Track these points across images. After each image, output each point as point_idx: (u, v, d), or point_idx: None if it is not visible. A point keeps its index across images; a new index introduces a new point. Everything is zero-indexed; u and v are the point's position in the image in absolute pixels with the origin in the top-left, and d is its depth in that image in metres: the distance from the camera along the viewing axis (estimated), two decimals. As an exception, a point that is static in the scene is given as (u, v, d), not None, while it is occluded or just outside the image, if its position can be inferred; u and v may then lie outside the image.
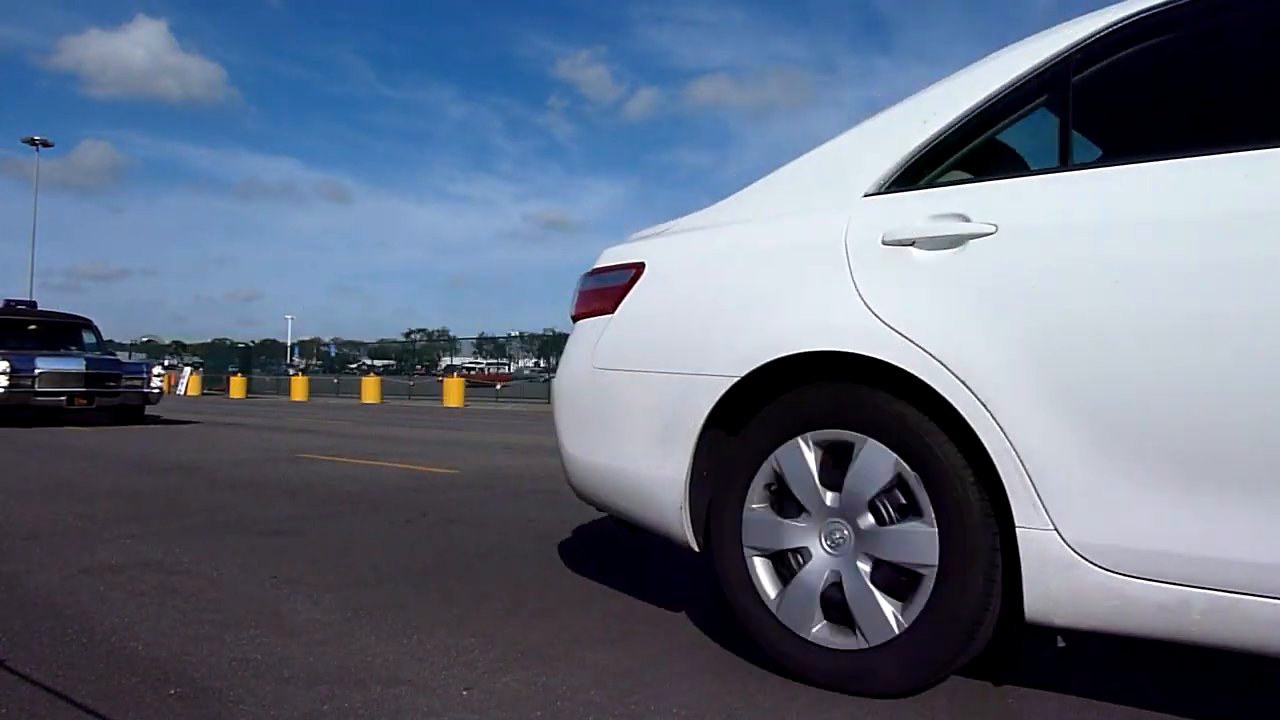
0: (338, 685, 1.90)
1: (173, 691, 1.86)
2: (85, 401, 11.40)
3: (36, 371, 11.13)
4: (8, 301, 13.39)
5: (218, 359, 46.41)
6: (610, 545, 3.57)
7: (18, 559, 3.17)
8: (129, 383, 11.99)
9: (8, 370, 10.89)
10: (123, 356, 16.04)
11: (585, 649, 2.18)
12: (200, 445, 8.29)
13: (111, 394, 11.66)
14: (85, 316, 13.72)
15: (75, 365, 11.65)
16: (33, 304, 13.85)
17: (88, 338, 13.47)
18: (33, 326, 12.96)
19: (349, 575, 2.97)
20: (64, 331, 13.31)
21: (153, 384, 12.29)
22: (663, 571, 3.10)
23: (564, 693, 1.87)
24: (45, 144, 36.92)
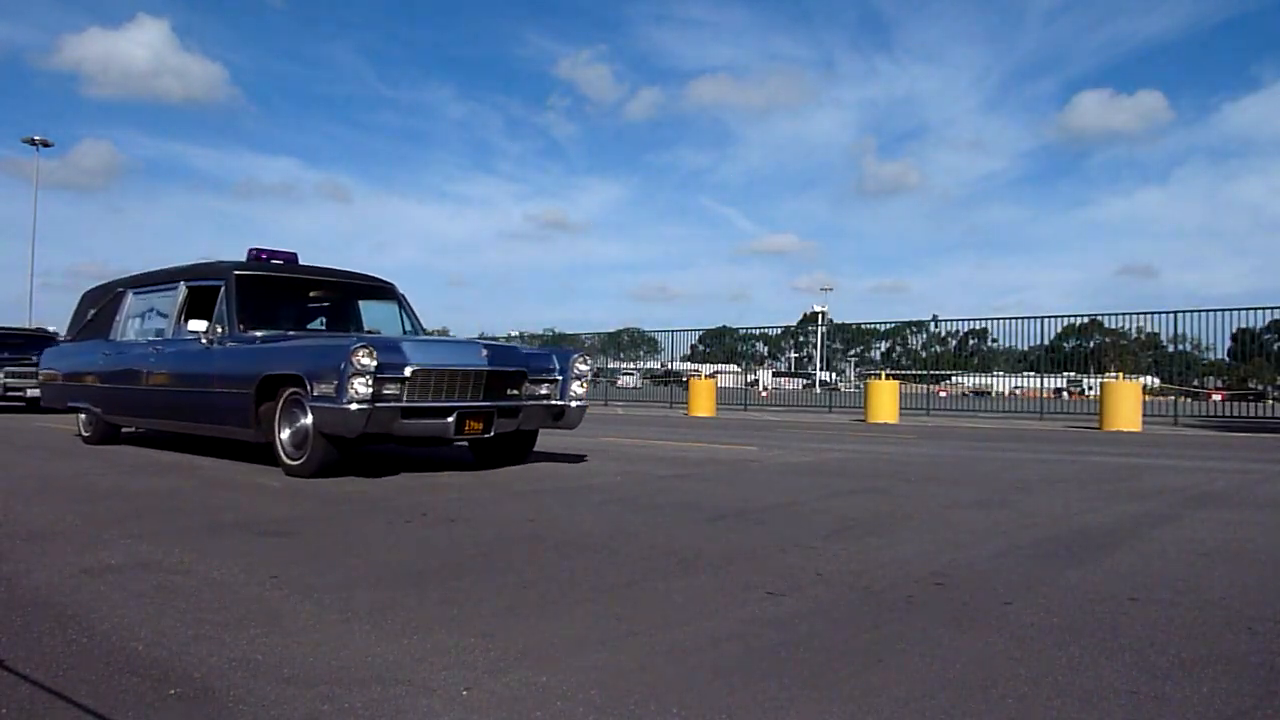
0: (338, 685, 1.90)
1: (173, 691, 1.86)
2: (480, 426, 5.94)
3: (408, 370, 5.62)
4: (255, 252, 7.37)
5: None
6: (611, 545, 3.57)
7: (18, 559, 3.17)
8: (534, 387, 6.48)
9: (371, 368, 5.42)
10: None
11: (585, 649, 2.18)
12: (200, 445, 8.29)
13: (511, 410, 6.22)
14: (385, 279, 8.14)
15: (470, 359, 6.05)
16: (292, 256, 7.59)
17: (377, 313, 7.98)
18: (315, 293, 7.69)
19: (349, 575, 2.97)
20: (349, 301, 8.01)
21: (572, 391, 6.63)
22: (664, 572, 3.09)
23: (564, 693, 1.87)
24: (45, 144, 36.99)
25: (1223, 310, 17.57)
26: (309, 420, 5.69)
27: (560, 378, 6.65)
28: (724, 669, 2.04)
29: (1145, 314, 19.19)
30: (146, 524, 3.95)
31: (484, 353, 6.19)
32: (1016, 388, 23.31)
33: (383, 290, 8.07)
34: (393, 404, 5.60)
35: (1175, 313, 18.12)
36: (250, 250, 7.38)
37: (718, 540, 3.67)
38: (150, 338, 7.79)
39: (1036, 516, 4.50)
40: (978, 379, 29.39)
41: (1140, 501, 5.15)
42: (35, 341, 16.18)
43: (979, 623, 2.45)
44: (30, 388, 14.58)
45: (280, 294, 7.50)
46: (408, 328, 7.82)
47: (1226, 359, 21.23)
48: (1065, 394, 24.76)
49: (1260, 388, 22.63)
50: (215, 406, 6.52)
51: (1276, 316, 18.71)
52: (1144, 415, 15.47)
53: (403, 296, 8.07)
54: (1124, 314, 19.93)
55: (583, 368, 6.78)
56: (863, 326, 34.66)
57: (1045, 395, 21.13)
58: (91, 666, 2.01)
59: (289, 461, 5.90)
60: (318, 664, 2.04)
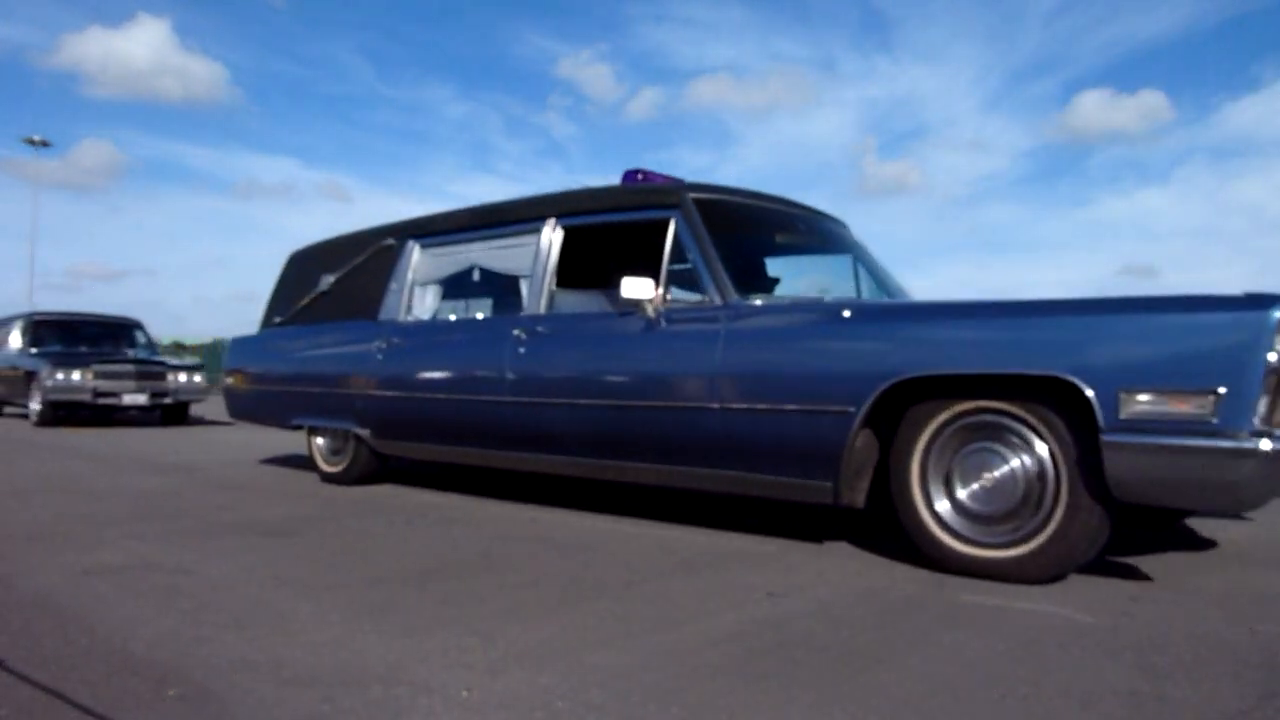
0: (338, 685, 1.91)
1: (173, 692, 1.86)
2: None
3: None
4: (633, 174, 4.37)
5: (217, 359, 46.23)
6: (611, 545, 3.57)
7: (18, 559, 3.17)
8: None
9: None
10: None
11: (585, 649, 2.18)
12: (201, 445, 8.30)
13: None
14: (833, 213, 4.85)
15: None
16: (679, 183, 4.17)
17: (810, 267, 5.01)
18: (781, 237, 4.67)
19: (349, 575, 2.98)
20: (794, 249, 4.89)
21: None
22: (664, 572, 3.09)
23: (564, 693, 1.87)
24: (45, 144, 36.99)
25: (1223, 310, 17.54)
26: (1054, 467, 2.82)
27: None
28: (724, 669, 2.05)
29: (1145, 314, 19.18)
30: (146, 524, 3.95)
31: None
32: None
33: (834, 233, 4.73)
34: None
35: (1175, 313, 18.08)
36: (627, 172, 4.46)
37: (718, 540, 3.67)
38: (485, 314, 5.02)
39: (1036, 516, 4.49)
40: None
41: (1140, 501, 5.14)
42: (119, 331, 13.12)
43: (979, 623, 2.46)
44: (128, 392, 10.68)
45: (748, 239, 4.37)
46: (864, 293, 4.48)
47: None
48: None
49: (1260, 388, 22.59)
50: (727, 439, 3.47)
51: (1276, 316, 18.69)
52: (1144, 415, 15.45)
53: (859, 244, 4.79)
54: (1124, 314, 19.87)
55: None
56: (863, 326, 34.52)
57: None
58: (91, 666, 2.01)
59: (981, 554, 2.95)
60: (318, 664, 2.04)
